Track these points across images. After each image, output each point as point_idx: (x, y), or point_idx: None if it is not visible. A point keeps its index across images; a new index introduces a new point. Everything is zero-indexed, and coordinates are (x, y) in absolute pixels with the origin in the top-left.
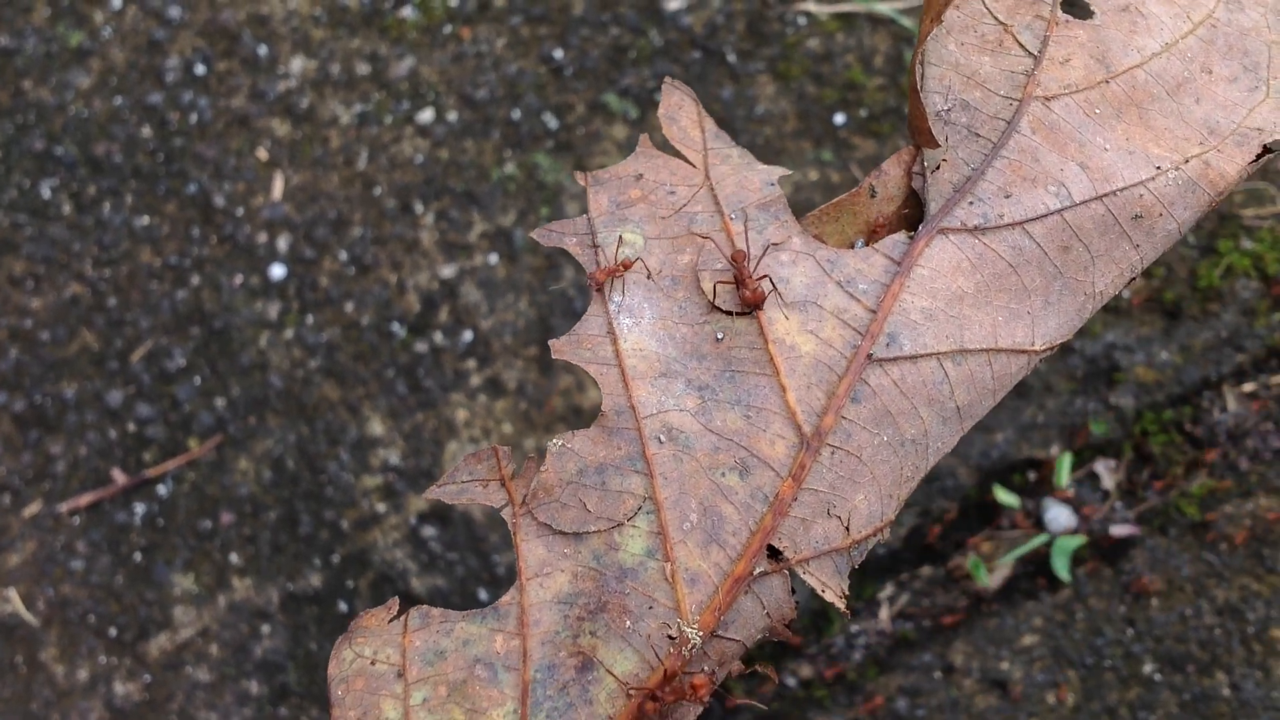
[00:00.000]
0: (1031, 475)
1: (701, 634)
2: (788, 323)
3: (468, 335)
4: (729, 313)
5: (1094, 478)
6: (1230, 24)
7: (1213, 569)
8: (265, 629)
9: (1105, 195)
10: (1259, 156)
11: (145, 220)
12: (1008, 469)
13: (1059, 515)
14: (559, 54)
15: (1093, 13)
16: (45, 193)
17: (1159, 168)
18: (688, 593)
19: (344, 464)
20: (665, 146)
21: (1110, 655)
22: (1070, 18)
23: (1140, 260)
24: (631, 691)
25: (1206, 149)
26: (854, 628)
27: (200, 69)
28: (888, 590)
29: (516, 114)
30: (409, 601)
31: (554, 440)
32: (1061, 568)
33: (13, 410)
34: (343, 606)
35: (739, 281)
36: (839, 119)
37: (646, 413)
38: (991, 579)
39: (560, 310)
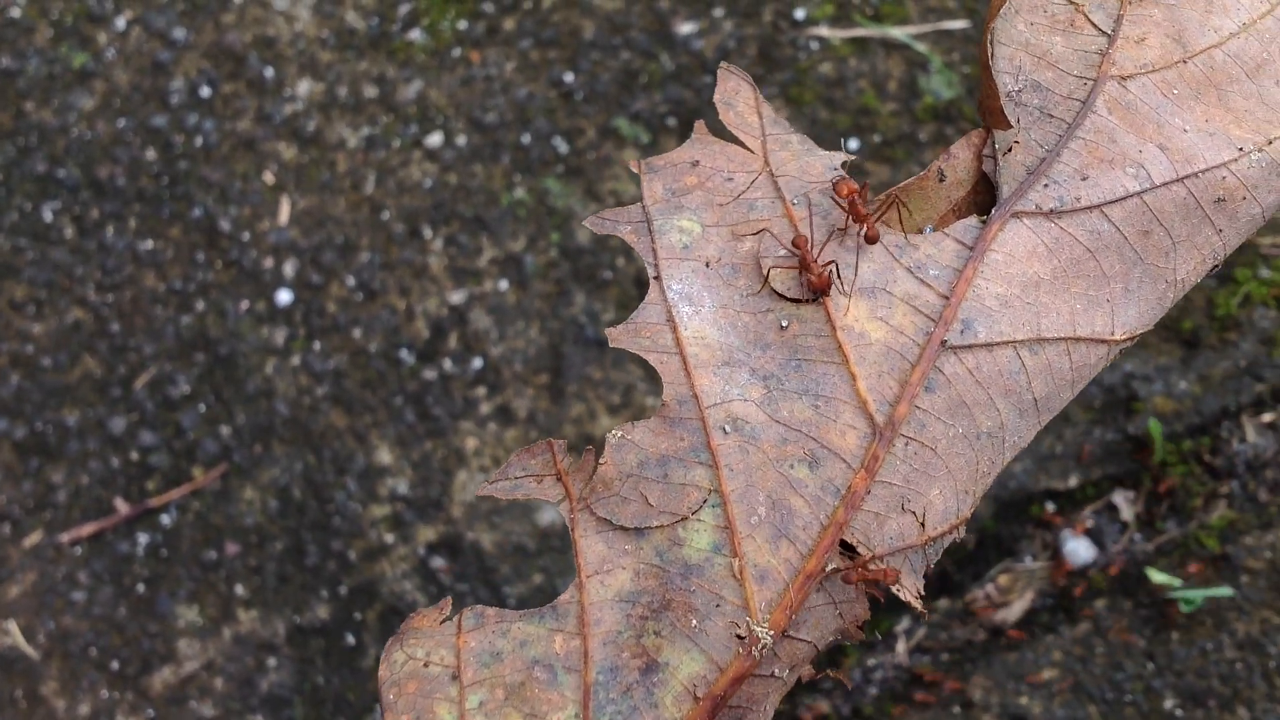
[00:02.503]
0: (1050, 506)
1: (773, 633)
2: (856, 310)
3: (477, 362)
4: (794, 300)
5: (1112, 509)
6: None
7: (1233, 602)
8: (271, 662)
9: (1186, 177)
10: None
11: (149, 244)
12: (1025, 500)
13: (1077, 547)
14: (569, 78)
15: None
16: (47, 216)
17: (1241, 149)
18: (757, 590)
19: (351, 493)
20: (720, 133)
21: (1131, 690)
22: None
23: (1223, 246)
24: (699, 695)
25: None
26: (870, 661)
27: (205, 91)
28: (904, 624)
29: (526, 138)
30: None
31: (613, 431)
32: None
33: (13, 438)
34: (350, 639)
35: (803, 267)
36: (852, 144)
37: (710, 402)
38: (1010, 611)
39: (571, 337)
